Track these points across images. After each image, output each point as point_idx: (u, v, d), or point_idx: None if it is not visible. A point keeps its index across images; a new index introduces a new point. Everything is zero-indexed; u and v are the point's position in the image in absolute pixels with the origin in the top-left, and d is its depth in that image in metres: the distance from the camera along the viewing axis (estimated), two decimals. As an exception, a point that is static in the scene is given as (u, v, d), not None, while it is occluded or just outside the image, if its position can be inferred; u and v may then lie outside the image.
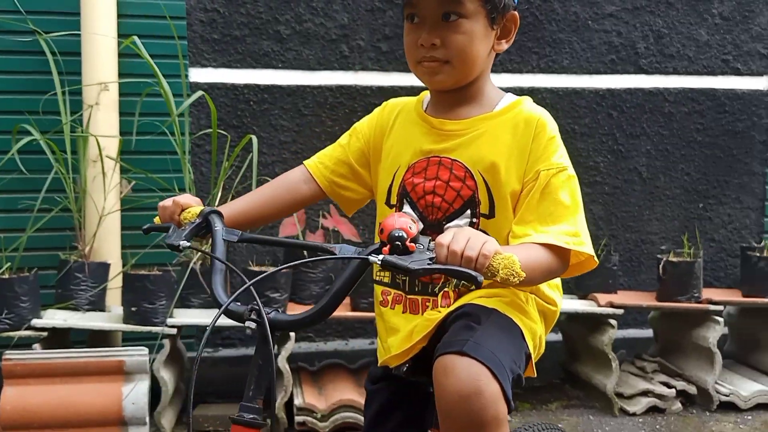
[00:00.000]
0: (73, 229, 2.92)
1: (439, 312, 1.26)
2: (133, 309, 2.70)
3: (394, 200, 1.34)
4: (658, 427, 2.93)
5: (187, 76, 3.09)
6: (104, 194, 2.91)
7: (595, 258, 1.22)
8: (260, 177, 3.11)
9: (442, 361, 1.06)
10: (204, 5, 3.18)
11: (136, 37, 2.85)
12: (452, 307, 1.23)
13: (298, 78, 3.30)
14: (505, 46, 1.29)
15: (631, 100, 3.55)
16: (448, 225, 1.27)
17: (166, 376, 2.69)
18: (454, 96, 1.31)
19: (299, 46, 3.28)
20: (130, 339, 3.00)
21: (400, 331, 1.31)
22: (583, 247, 1.19)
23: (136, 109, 2.93)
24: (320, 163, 1.43)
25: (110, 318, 2.80)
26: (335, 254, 1.10)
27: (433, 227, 1.29)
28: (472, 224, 1.26)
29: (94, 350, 2.61)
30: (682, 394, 3.09)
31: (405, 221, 1.02)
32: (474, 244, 1.00)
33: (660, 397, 3.05)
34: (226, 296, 1.10)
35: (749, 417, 2.98)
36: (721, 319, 3.04)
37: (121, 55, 3.03)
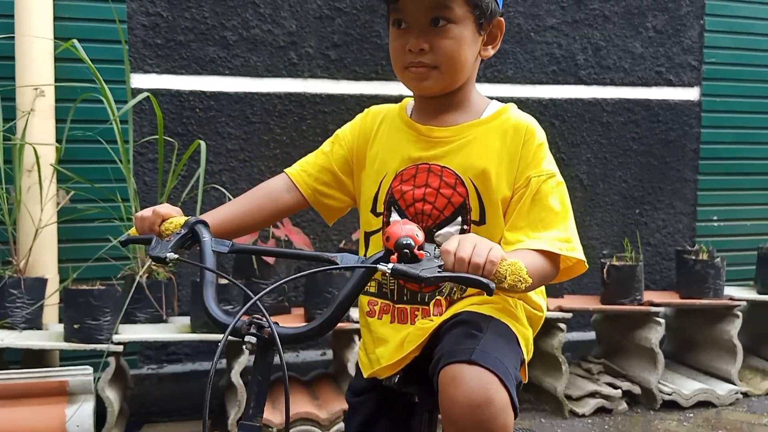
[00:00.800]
0: (7, 243, 2.75)
1: (432, 321, 1.25)
2: (75, 326, 2.55)
3: (380, 208, 1.32)
4: (606, 427, 3.01)
5: (129, 81, 2.97)
6: (41, 205, 2.75)
7: (586, 263, 1.24)
8: (207, 186, 3.03)
9: (450, 370, 1.05)
10: (146, 9, 3.07)
11: (75, 41, 2.72)
12: (445, 316, 1.22)
13: (245, 85, 3.23)
14: (491, 52, 1.29)
15: (572, 109, 3.66)
16: (439, 232, 1.26)
17: (112, 396, 2.56)
18: (441, 102, 1.30)
19: (246, 53, 3.22)
20: (68, 358, 2.85)
21: (389, 341, 1.29)
22: (575, 252, 1.20)
23: (72, 115, 2.79)
24: (303, 171, 1.39)
25: (50, 336, 2.65)
26: (336, 263, 1.07)
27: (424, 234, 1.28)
28: (462, 231, 1.25)
29: (34, 371, 2.46)
30: (627, 395, 3.19)
31: (411, 229, 1.00)
32: (481, 250, 0.99)
33: (607, 397, 3.14)
34: (220, 310, 1.05)
35: (691, 414, 3.11)
36: (662, 320, 3.16)
37: (57, 59, 2.89)
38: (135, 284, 2.70)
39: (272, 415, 2.73)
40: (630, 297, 3.19)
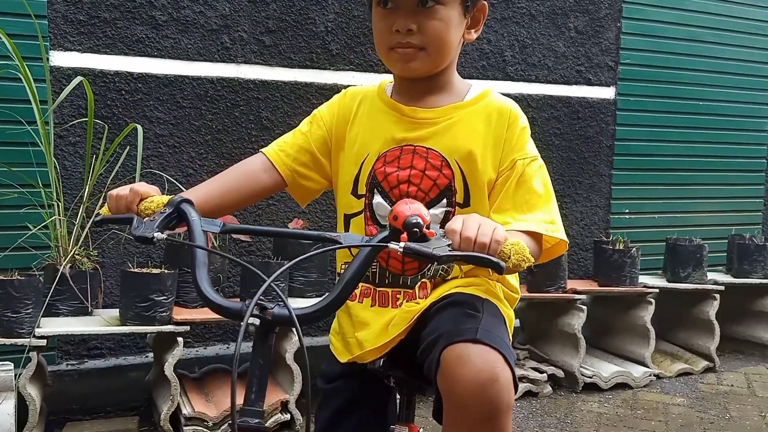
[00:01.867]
0: None
1: (418, 303, 1.25)
2: (-7, 319, 2.38)
3: (362, 190, 1.31)
4: (533, 410, 3.13)
5: (48, 59, 2.79)
6: (-49, 190, 2.54)
7: (567, 243, 1.28)
8: (144, 170, 2.89)
9: (455, 349, 1.04)
10: (68, -18, 2.89)
11: (-10, 13, 2.52)
12: (432, 298, 1.23)
13: (175, 68, 3.10)
14: (474, 35, 1.31)
15: (500, 104, 3.76)
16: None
17: (33, 393, 2.40)
18: (424, 84, 1.30)
19: (177, 35, 3.09)
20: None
21: (370, 325, 1.28)
22: (559, 233, 1.24)
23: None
24: (281, 151, 1.36)
25: (-37, 331, 2.44)
26: (340, 243, 1.05)
27: None
28: (447, 213, 1.27)
29: (-52, 369, 2.27)
30: (551, 378, 3.34)
31: (418, 208, 1.00)
32: (486, 230, 1.00)
33: (533, 381, 3.27)
34: (216, 293, 1.01)
35: (610, 396, 3.29)
36: (584, 307, 3.32)
37: (-33, 33, 2.66)
38: (58, 275, 2.55)
39: (207, 409, 2.65)
40: (555, 285, 3.33)
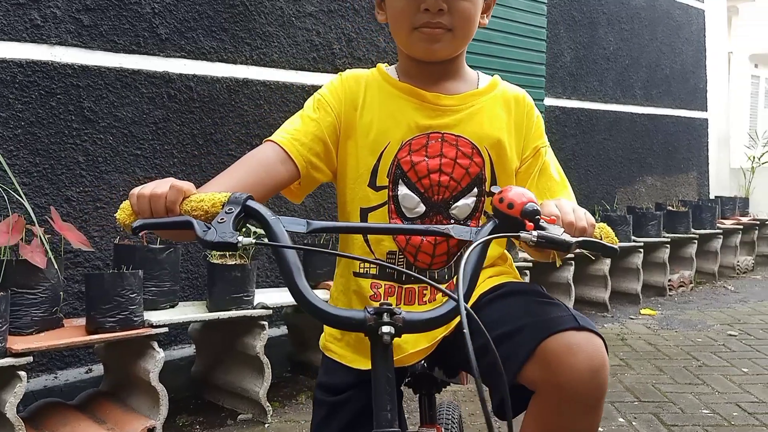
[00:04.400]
0: None
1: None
2: None
3: (382, 181, 1.21)
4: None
5: None
6: None
7: None
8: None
9: (561, 339, 1.00)
10: None
11: None
12: (479, 291, 1.18)
13: (-27, 47, 2.56)
14: (485, 20, 1.27)
15: (331, 97, 3.75)
16: (456, 204, 1.21)
17: None
18: (440, 69, 1.24)
19: (-26, 6, 2.54)
20: None
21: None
22: None
23: None
24: (294, 140, 1.19)
25: None
26: (452, 235, 0.95)
27: (438, 207, 1.21)
28: (478, 202, 1.22)
29: None
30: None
31: (529, 194, 0.94)
32: (581, 214, 0.98)
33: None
34: (324, 302, 0.86)
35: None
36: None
37: None
38: None
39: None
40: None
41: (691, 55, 6.82)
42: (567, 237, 0.90)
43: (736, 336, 4.22)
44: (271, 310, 2.90)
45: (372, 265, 1.22)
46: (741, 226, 6.46)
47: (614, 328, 4.44)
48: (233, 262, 2.86)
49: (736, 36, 12.85)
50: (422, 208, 1.21)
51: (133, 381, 2.63)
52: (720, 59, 7.76)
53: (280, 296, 3.08)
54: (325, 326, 1.37)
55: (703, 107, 7.04)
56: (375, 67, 1.31)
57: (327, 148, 1.22)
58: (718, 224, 6.12)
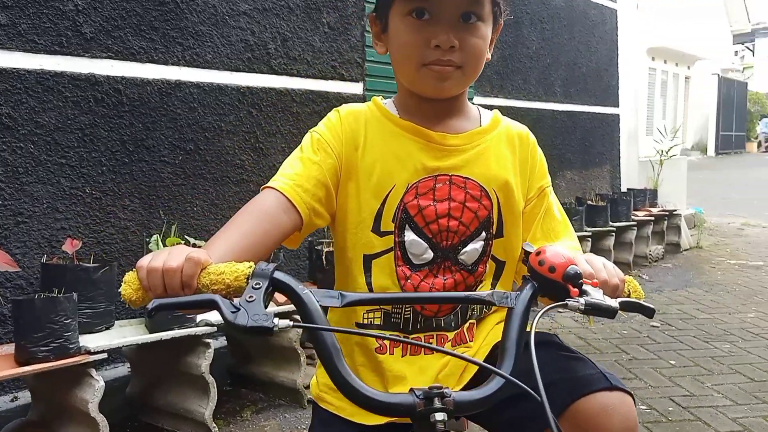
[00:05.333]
0: None
1: (469, 347, 1.16)
2: None
3: (387, 226, 1.14)
4: (343, 407, 3.15)
5: None
6: None
7: None
8: None
9: (597, 399, 0.98)
10: None
11: None
12: (489, 341, 1.14)
13: None
14: (489, 55, 1.22)
15: (267, 98, 3.62)
16: (465, 249, 1.16)
17: None
18: (444, 106, 1.18)
19: None
20: None
21: (407, 377, 1.14)
22: None
23: None
24: (297, 186, 1.10)
25: None
26: (494, 303, 0.90)
27: (446, 253, 1.16)
28: (487, 246, 1.18)
29: None
30: None
31: (567, 253, 0.91)
32: (611, 270, 0.96)
33: None
34: (367, 385, 0.79)
35: None
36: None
37: None
38: None
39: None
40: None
41: (605, 54, 7.09)
42: (611, 302, 0.88)
43: (658, 327, 4.44)
44: (215, 327, 2.78)
45: (376, 316, 1.16)
46: (652, 218, 6.80)
47: (545, 322, 4.57)
48: (174, 279, 2.71)
49: (637, 30, 13.54)
50: (430, 254, 1.16)
51: (68, 410, 2.44)
52: (629, 56, 8.11)
53: (224, 311, 2.95)
54: (316, 374, 1.30)
55: (615, 103, 7.35)
56: (369, 101, 1.25)
57: (329, 192, 1.15)
58: (632, 216, 6.42)
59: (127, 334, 2.63)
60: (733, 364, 3.70)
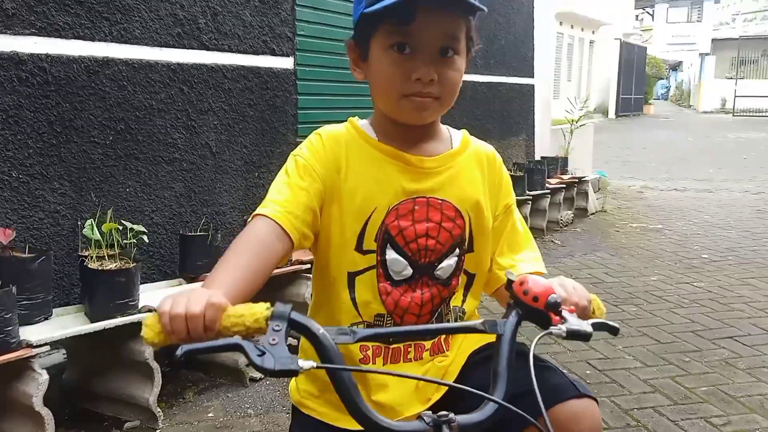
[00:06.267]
0: None
1: (446, 356, 1.26)
2: None
3: (370, 245, 1.21)
4: (282, 383, 3.22)
5: None
6: None
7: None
8: None
9: (568, 408, 1.09)
10: None
11: None
12: (464, 350, 1.25)
13: None
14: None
15: (198, 75, 3.55)
16: (441, 266, 1.25)
17: None
18: (420, 130, 1.25)
19: None
20: None
21: (389, 385, 1.22)
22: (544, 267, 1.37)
23: None
24: (288, 213, 1.14)
25: None
26: (485, 330, 0.99)
27: (424, 269, 1.24)
28: (459, 261, 1.27)
29: None
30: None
31: (546, 282, 1.01)
32: (580, 292, 1.07)
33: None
34: (377, 414, 0.87)
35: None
36: (311, 276, 3.49)
37: None
38: None
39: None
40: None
41: (522, 26, 7.30)
42: (587, 327, 0.98)
43: (572, 293, 4.75)
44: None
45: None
46: (564, 185, 7.18)
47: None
48: (115, 267, 2.68)
49: (549, -2, 13.91)
50: (409, 271, 1.24)
51: (11, 405, 2.40)
52: (542, 24, 8.37)
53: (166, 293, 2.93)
54: (296, 379, 1.36)
55: (531, 74, 7.61)
56: (345, 122, 1.30)
57: (315, 215, 1.20)
58: (546, 184, 6.75)
59: (67, 324, 2.58)
60: (641, 326, 4.05)
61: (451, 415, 0.88)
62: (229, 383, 3.20)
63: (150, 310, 2.75)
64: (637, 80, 27.30)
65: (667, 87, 43.63)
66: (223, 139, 3.73)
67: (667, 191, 9.79)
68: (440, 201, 1.25)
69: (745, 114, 25.86)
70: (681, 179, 10.91)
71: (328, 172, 1.21)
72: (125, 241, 2.85)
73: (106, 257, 2.73)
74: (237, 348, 0.86)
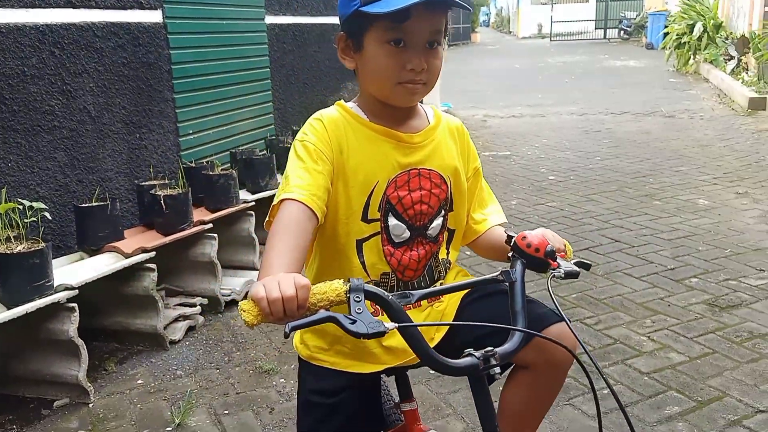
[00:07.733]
0: None
1: (442, 302, 1.47)
2: None
3: (374, 215, 1.38)
4: (204, 340, 3.31)
5: None
6: None
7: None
8: None
9: (555, 330, 1.32)
10: None
11: None
12: (457, 295, 1.46)
13: None
14: None
15: (68, 36, 3.34)
16: (432, 225, 1.44)
17: None
18: (407, 110, 1.42)
19: None
20: None
21: (396, 332, 1.41)
22: (504, 217, 1.60)
23: None
24: (313, 195, 1.26)
25: None
26: (504, 281, 1.20)
27: (419, 231, 1.43)
28: (444, 219, 1.47)
29: None
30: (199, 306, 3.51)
31: (541, 235, 1.24)
32: (559, 238, 1.32)
33: (188, 317, 3.40)
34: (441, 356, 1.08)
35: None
36: (215, 235, 3.54)
37: None
38: None
39: None
40: (187, 222, 3.42)
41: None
42: (574, 267, 1.25)
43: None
44: (77, 290, 2.72)
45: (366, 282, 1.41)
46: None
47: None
48: (26, 249, 2.57)
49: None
50: (407, 233, 1.43)
51: (52, 341, 2.31)
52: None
53: (83, 270, 2.87)
54: (303, 335, 1.52)
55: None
56: (334, 106, 1.44)
57: (328, 193, 1.35)
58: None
59: (-17, 313, 2.47)
60: (512, 247, 4.53)
61: (493, 349, 1.11)
62: (149, 349, 3.22)
63: (67, 288, 2.70)
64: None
65: (487, 14, 45.81)
66: (101, 101, 3.56)
67: (506, 118, 10.56)
68: (428, 171, 1.44)
69: (560, 39, 27.90)
70: (516, 106, 11.77)
71: (333, 153, 1.36)
72: (26, 220, 2.73)
73: (12, 239, 2.61)
74: (332, 320, 1.01)
